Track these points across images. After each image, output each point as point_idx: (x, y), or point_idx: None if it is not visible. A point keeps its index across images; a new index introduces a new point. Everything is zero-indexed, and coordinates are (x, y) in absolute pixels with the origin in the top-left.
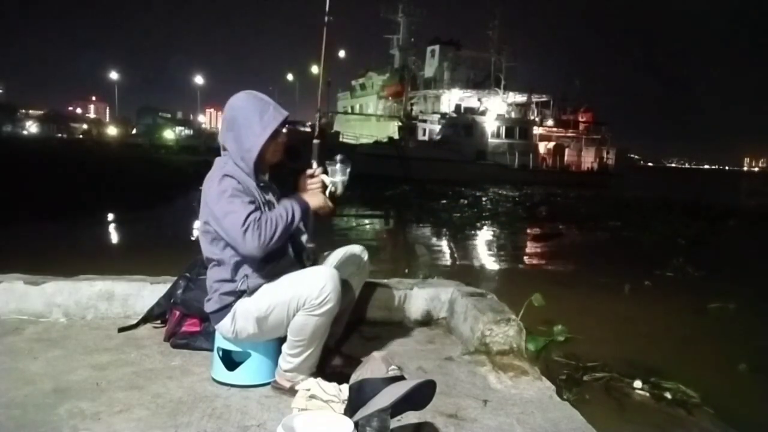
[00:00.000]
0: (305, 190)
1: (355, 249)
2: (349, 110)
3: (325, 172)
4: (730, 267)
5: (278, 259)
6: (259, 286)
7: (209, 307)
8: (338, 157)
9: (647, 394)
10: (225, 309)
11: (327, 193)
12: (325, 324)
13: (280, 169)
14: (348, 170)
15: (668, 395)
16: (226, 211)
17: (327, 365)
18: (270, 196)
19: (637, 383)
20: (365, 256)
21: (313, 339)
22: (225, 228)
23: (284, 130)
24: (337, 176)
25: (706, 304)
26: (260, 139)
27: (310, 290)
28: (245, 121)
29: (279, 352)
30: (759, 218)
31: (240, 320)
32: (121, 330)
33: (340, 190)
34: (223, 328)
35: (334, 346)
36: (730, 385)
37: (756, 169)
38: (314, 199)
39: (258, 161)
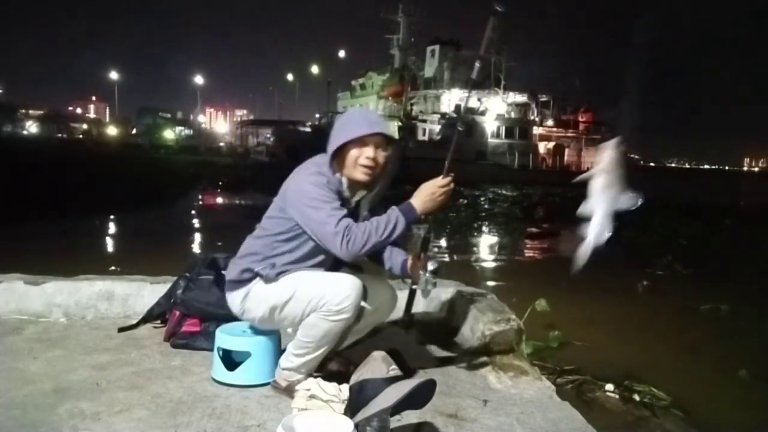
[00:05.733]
0: (430, 195)
1: (388, 291)
2: None
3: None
4: (723, 266)
5: (314, 263)
6: (276, 276)
7: (228, 273)
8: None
9: (617, 397)
10: (240, 284)
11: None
12: (337, 332)
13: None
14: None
15: (636, 397)
16: (317, 210)
17: (327, 365)
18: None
19: (609, 386)
20: (392, 300)
21: (321, 342)
22: (313, 228)
23: (383, 152)
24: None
25: (698, 305)
26: (341, 139)
27: (332, 295)
28: (338, 126)
29: (279, 352)
30: (757, 217)
31: (252, 301)
32: (121, 330)
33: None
34: (233, 301)
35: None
36: (710, 388)
37: (756, 169)
38: (431, 203)
39: (335, 160)
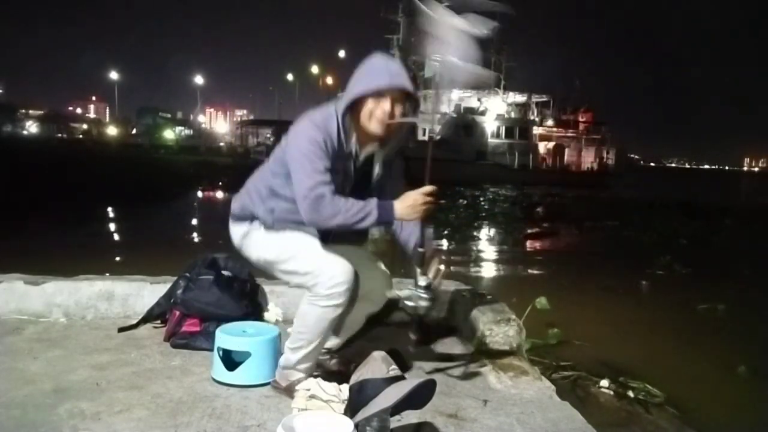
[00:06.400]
0: (412, 203)
1: (381, 278)
2: None
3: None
4: (722, 266)
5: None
6: (273, 225)
7: (234, 204)
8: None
9: (611, 393)
10: (241, 219)
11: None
12: (329, 320)
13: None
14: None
15: (631, 394)
16: (301, 165)
17: (327, 365)
18: (350, 166)
19: (604, 382)
20: (385, 287)
21: (314, 333)
22: (293, 180)
23: (401, 107)
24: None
25: (696, 305)
26: (357, 91)
27: (326, 278)
28: (358, 75)
29: (279, 352)
30: (757, 217)
31: (251, 243)
32: (121, 330)
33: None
34: (234, 234)
35: (335, 349)
36: (706, 385)
37: (756, 169)
38: (410, 209)
39: (350, 110)
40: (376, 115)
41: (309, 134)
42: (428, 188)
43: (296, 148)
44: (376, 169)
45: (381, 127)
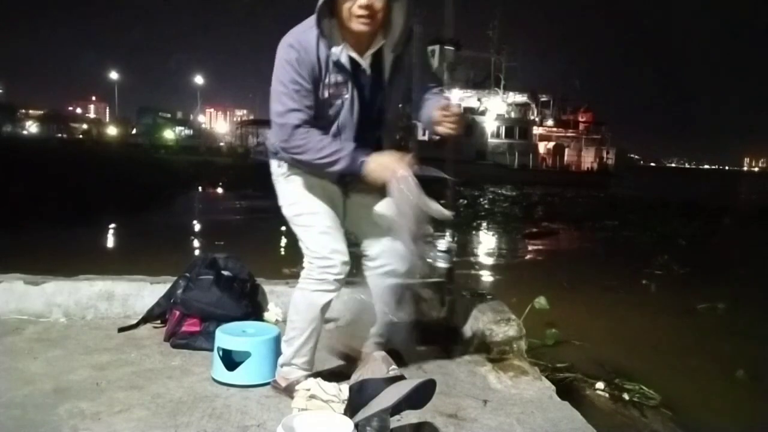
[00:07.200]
0: (384, 165)
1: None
2: None
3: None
4: (722, 266)
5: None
6: (286, 159)
7: (269, 134)
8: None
9: (607, 395)
10: (271, 154)
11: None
12: (318, 306)
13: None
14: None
15: (626, 396)
16: (274, 89)
17: (327, 365)
18: (341, 77)
19: (600, 384)
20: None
21: (305, 320)
22: (271, 104)
23: None
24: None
25: (696, 304)
26: None
27: (322, 263)
28: None
29: (279, 351)
30: (756, 217)
31: (277, 190)
32: (121, 330)
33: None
34: (271, 170)
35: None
36: (704, 387)
37: (756, 169)
38: (379, 167)
39: (330, 17)
40: (354, 13)
41: (281, 56)
42: (409, 159)
43: (275, 74)
44: (387, 68)
45: (365, 23)
